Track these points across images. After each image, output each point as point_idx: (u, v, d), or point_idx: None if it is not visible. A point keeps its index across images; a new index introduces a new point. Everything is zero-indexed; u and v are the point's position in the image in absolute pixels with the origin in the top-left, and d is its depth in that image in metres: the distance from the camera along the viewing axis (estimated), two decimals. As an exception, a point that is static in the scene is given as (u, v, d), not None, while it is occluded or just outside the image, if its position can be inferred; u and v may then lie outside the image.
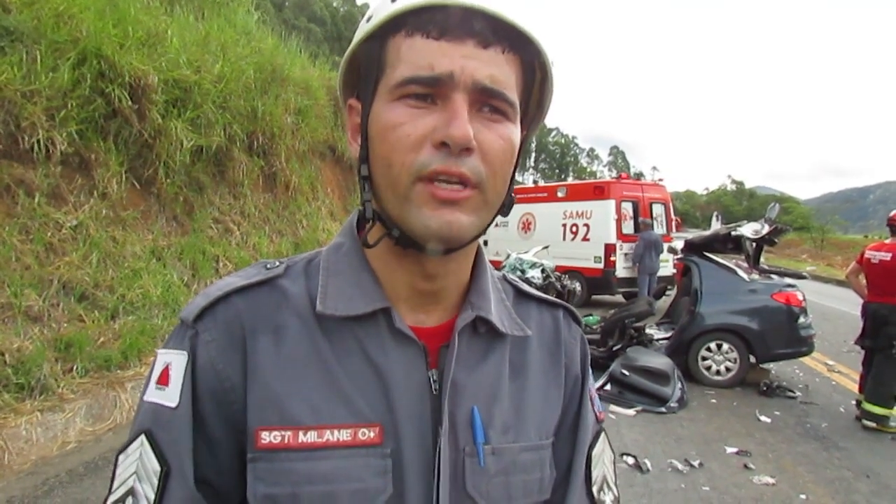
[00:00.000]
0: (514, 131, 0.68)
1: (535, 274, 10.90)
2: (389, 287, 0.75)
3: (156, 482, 0.66)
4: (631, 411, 5.98)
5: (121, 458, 0.70)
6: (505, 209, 0.75)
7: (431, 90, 0.64)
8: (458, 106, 0.63)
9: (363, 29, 0.69)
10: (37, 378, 4.50)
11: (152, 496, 0.65)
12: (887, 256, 5.75)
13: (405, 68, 0.64)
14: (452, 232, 0.65)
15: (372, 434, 0.69)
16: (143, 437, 0.68)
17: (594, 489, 0.84)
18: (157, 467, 0.66)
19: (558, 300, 0.92)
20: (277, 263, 0.79)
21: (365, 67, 0.71)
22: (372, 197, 0.71)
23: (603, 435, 0.90)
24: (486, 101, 0.65)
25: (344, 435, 0.68)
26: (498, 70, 0.64)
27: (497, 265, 10.80)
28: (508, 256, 11.92)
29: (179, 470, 0.66)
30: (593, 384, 0.92)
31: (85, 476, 3.96)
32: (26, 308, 4.88)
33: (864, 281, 6.14)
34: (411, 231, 0.67)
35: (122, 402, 4.87)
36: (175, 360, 0.70)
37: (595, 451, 0.86)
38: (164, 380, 0.70)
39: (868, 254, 6.00)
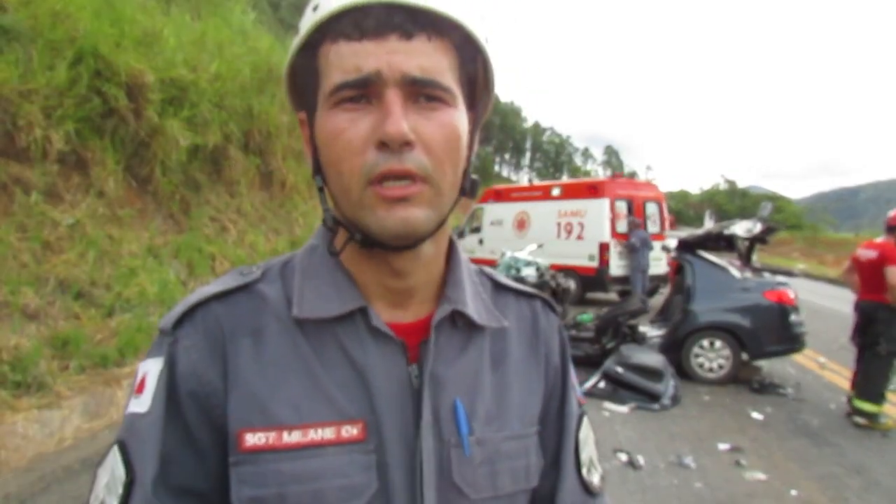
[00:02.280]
0: (457, 116, 0.68)
1: (529, 272, 10.88)
2: (364, 286, 0.76)
3: (120, 491, 0.66)
4: (624, 408, 6.02)
5: (100, 472, 0.70)
6: (468, 192, 0.75)
7: (363, 91, 0.64)
8: (391, 102, 0.63)
9: (294, 43, 0.70)
10: (33, 375, 4.49)
11: None
12: (873, 254, 5.82)
13: (335, 75, 0.65)
14: (408, 228, 0.66)
15: (355, 431, 0.70)
16: (115, 447, 0.69)
17: (583, 471, 0.87)
18: (124, 476, 0.66)
19: (535, 291, 0.93)
20: (254, 269, 0.79)
21: (302, 80, 0.73)
22: (332, 205, 0.73)
23: (585, 418, 0.92)
24: (420, 91, 0.65)
25: (328, 433, 0.69)
26: (426, 59, 0.65)
27: (492, 264, 10.82)
28: (503, 255, 11.91)
29: (142, 477, 0.66)
30: (573, 370, 0.94)
31: (81, 472, 3.96)
32: (23, 306, 4.88)
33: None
34: (369, 232, 0.68)
35: (119, 400, 4.87)
36: (151, 369, 0.71)
37: (581, 436, 0.89)
38: (140, 389, 0.71)
39: (858, 252, 6.07)
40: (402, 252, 0.71)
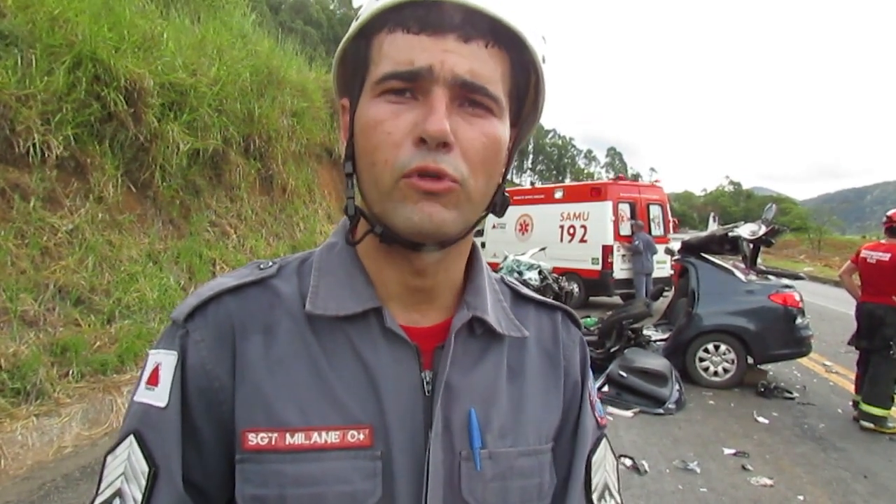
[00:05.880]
0: (500, 127, 0.67)
1: (532, 276, 10.88)
2: (381, 286, 0.74)
3: (143, 483, 0.65)
4: (629, 413, 5.98)
5: (109, 458, 0.69)
6: (497, 209, 0.74)
7: (411, 85, 0.63)
8: (436, 100, 0.62)
9: (351, 28, 0.69)
10: (33, 383, 4.48)
11: (139, 497, 0.65)
12: (885, 256, 5.73)
13: (386, 64, 0.64)
14: (434, 224, 0.64)
15: (361, 436, 0.68)
16: (131, 437, 0.67)
17: (594, 496, 0.82)
18: (146, 468, 0.66)
19: (556, 303, 0.90)
20: (270, 264, 0.78)
21: (352, 66, 0.71)
22: (356, 194, 0.71)
23: (604, 440, 0.88)
24: (467, 95, 0.64)
25: (332, 437, 0.67)
26: (480, 64, 0.64)
27: (495, 267, 10.79)
28: (506, 258, 11.90)
29: (167, 470, 0.66)
30: (594, 388, 0.91)
31: (81, 480, 3.94)
32: (22, 313, 4.87)
33: (858, 281, 6.13)
34: (394, 227, 0.66)
35: (119, 407, 4.85)
36: (165, 360, 0.70)
37: (595, 457, 0.84)
38: (153, 380, 0.69)
39: (864, 253, 5.99)
40: (421, 253, 0.70)
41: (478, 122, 0.65)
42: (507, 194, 0.74)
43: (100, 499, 0.67)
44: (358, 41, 0.69)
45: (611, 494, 0.85)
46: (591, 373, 0.90)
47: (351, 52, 0.71)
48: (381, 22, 0.65)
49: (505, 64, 0.67)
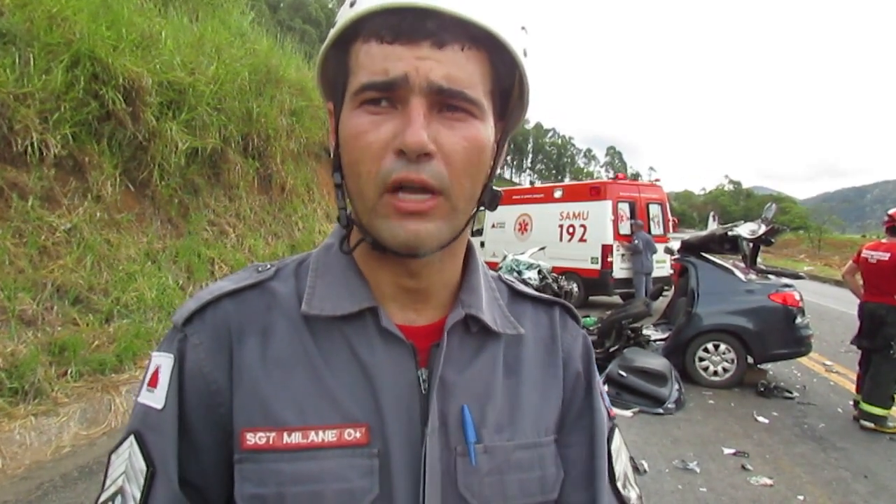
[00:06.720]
0: (482, 129, 0.67)
1: (531, 275, 10.88)
2: (377, 287, 0.75)
3: (142, 482, 0.67)
4: (628, 413, 5.97)
5: (113, 457, 0.71)
6: (487, 205, 0.74)
7: (388, 95, 0.63)
8: (414, 110, 0.62)
9: (328, 36, 0.69)
10: (31, 382, 4.47)
11: (138, 496, 0.66)
12: (885, 256, 5.72)
13: (363, 74, 0.64)
14: (420, 241, 0.66)
15: (358, 434, 0.69)
16: (132, 437, 0.70)
17: (618, 484, 0.82)
18: (144, 467, 0.67)
19: (555, 298, 0.91)
20: (269, 266, 0.79)
21: (333, 74, 0.72)
22: (347, 204, 0.73)
23: (618, 431, 0.88)
24: (445, 101, 0.64)
25: (329, 435, 0.68)
26: (456, 69, 0.63)
27: (494, 266, 10.78)
28: (505, 258, 11.89)
29: (164, 471, 0.67)
30: (600, 382, 0.90)
31: (79, 480, 3.94)
32: (20, 312, 4.86)
33: (861, 280, 6.12)
34: (381, 240, 0.67)
35: (117, 406, 4.84)
36: (164, 363, 0.71)
37: (613, 446, 0.85)
38: (153, 382, 0.71)
39: (865, 253, 5.98)
40: (413, 258, 0.70)
41: (459, 127, 0.65)
42: (496, 190, 0.74)
43: (104, 495, 0.69)
44: (337, 48, 0.69)
45: (631, 484, 0.85)
46: (595, 365, 0.90)
47: (331, 58, 0.71)
48: (356, 30, 0.65)
49: (484, 64, 0.66)
